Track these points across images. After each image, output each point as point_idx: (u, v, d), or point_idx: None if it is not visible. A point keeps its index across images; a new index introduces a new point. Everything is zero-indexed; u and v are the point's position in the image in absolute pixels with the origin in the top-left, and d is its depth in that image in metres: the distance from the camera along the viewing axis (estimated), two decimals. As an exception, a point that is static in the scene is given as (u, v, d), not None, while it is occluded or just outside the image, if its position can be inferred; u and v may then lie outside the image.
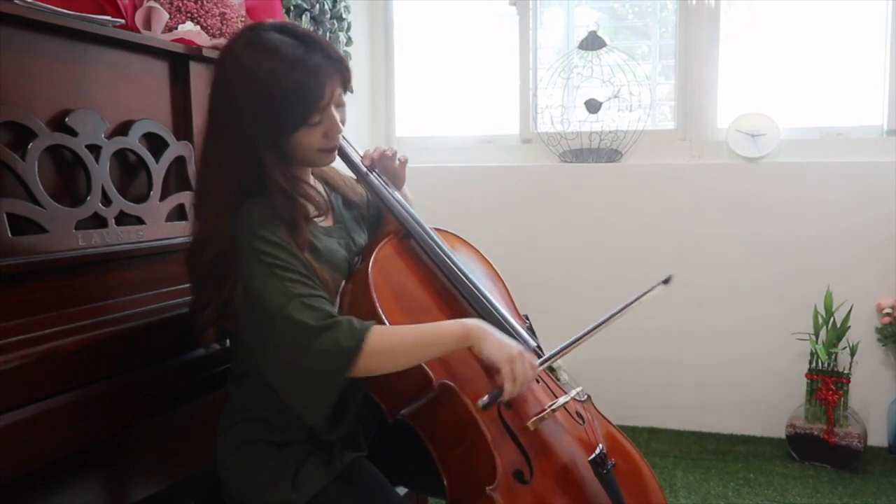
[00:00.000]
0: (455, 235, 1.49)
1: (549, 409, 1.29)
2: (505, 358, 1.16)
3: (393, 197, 1.40)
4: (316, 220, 1.28)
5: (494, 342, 1.17)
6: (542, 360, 1.25)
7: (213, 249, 1.17)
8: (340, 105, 1.24)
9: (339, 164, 1.43)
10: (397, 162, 1.45)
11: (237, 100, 1.16)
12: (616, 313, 1.28)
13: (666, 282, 1.32)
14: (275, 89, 1.14)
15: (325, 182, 1.41)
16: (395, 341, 1.15)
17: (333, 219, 1.37)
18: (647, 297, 1.30)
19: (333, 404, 1.13)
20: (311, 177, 1.35)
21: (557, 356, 1.27)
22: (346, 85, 1.23)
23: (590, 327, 1.27)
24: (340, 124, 1.23)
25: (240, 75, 1.16)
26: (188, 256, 1.23)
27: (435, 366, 1.22)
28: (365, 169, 1.41)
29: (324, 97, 1.17)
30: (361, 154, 1.44)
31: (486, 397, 1.18)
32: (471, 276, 1.37)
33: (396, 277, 1.31)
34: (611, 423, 1.45)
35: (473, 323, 1.18)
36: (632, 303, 1.29)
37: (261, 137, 1.16)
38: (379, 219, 1.49)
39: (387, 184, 1.42)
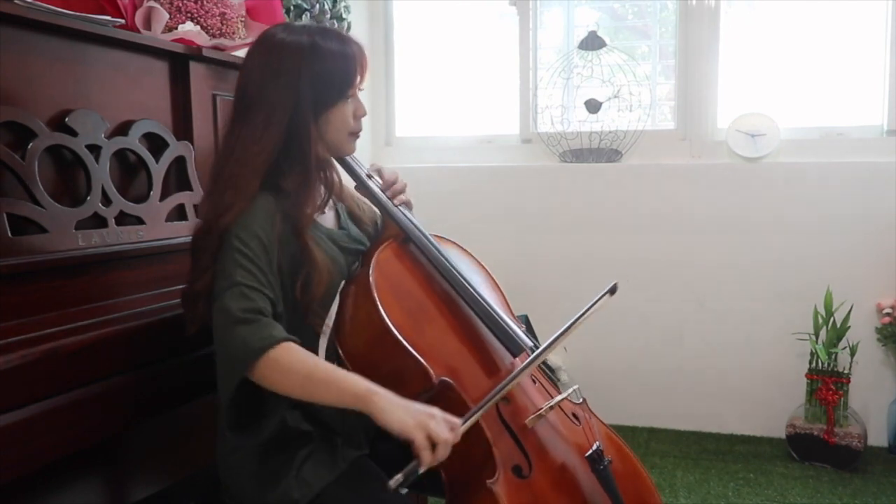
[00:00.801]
0: (452, 241, 1.51)
1: (547, 407, 1.31)
2: (414, 425, 1.06)
3: (392, 203, 1.42)
4: (321, 220, 1.32)
5: (399, 412, 1.07)
6: (465, 418, 1.13)
7: (227, 221, 1.18)
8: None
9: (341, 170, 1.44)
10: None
11: (282, 74, 1.22)
12: (565, 330, 1.24)
13: (612, 292, 1.29)
14: (316, 56, 1.23)
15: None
16: (296, 365, 1.11)
17: (338, 224, 1.40)
18: (595, 307, 1.27)
19: (232, 396, 1.13)
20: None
21: (484, 408, 1.16)
22: (365, 69, 1.31)
23: (523, 365, 1.23)
24: (365, 109, 1.32)
25: (281, 50, 1.23)
26: (199, 226, 1.25)
27: (434, 362, 1.23)
28: (365, 176, 1.43)
29: (357, 73, 1.28)
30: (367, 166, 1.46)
31: (399, 475, 1.06)
32: (469, 278, 1.39)
33: (397, 279, 1.33)
34: (606, 426, 1.47)
35: (382, 392, 1.09)
36: (575, 321, 1.25)
37: (304, 109, 1.22)
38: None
39: (385, 191, 1.44)
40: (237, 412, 1.17)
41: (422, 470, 1.06)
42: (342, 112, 1.28)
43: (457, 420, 1.11)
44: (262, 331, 1.11)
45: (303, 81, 1.22)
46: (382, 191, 1.42)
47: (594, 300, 1.28)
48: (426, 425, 1.07)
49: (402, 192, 1.44)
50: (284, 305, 1.21)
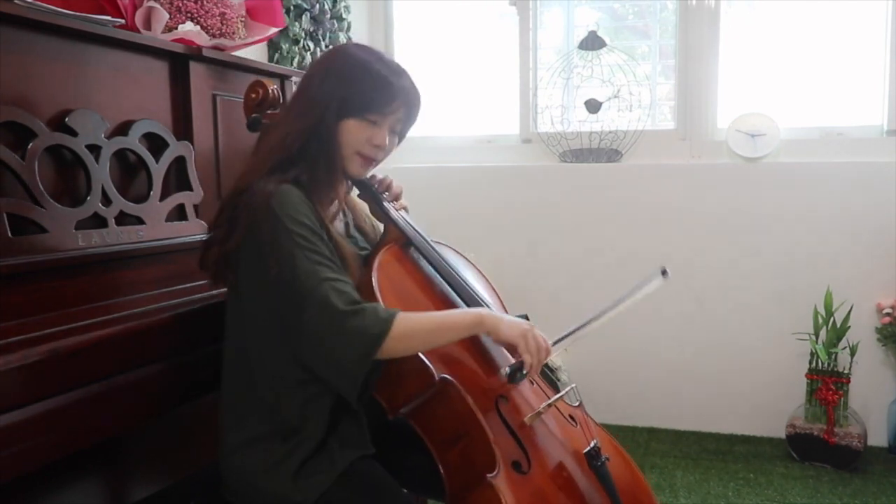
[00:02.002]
0: (448, 246, 1.53)
1: (545, 405, 1.35)
2: (519, 334, 1.25)
3: (393, 207, 1.45)
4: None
5: (507, 323, 1.26)
6: (555, 340, 1.33)
7: (244, 182, 1.25)
8: (395, 134, 1.38)
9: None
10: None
11: (328, 80, 1.30)
12: (619, 301, 1.36)
13: (663, 273, 1.37)
14: (361, 72, 1.30)
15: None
16: (416, 327, 1.20)
17: (346, 232, 1.44)
18: (648, 287, 1.37)
19: (360, 389, 1.18)
20: None
21: (571, 336, 1.35)
22: (409, 118, 1.38)
23: (594, 315, 1.35)
24: (386, 146, 1.35)
25: (340, 58, 1.34)
26: (222, 206, 1.31)
27: (435, 360, 1.25)
28: (366, 181, 1.45)
29: (392, 102, 1.32)
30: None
31: (506, 368, 1.27)
32: (469, 280, 1.42)
33: (399, 281, 1.35)
34: (603, 429, 1.48)
35: (485, 311, 1.28)
36: (634, 292, 1.36)
37: (328, 109, 1.28)
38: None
39: (385, 195, 1.47)
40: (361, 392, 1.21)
41: (526, 369, 1.26)
42: (358, 129, 1.30)
43: (547, 339, 1.30)
44: (373, 315, 1.16)
45: (340, 88, 1.28)
46: (380, 193, 1.46)
47: (644, 283, 1.37)
48: (526, 336, 1.26)
49: (399, 195, 1.50)
50: None
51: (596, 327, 1.37)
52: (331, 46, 1.33)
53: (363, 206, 1.51)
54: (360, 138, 1.31)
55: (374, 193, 1.45)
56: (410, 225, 1.44)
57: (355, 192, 1.50)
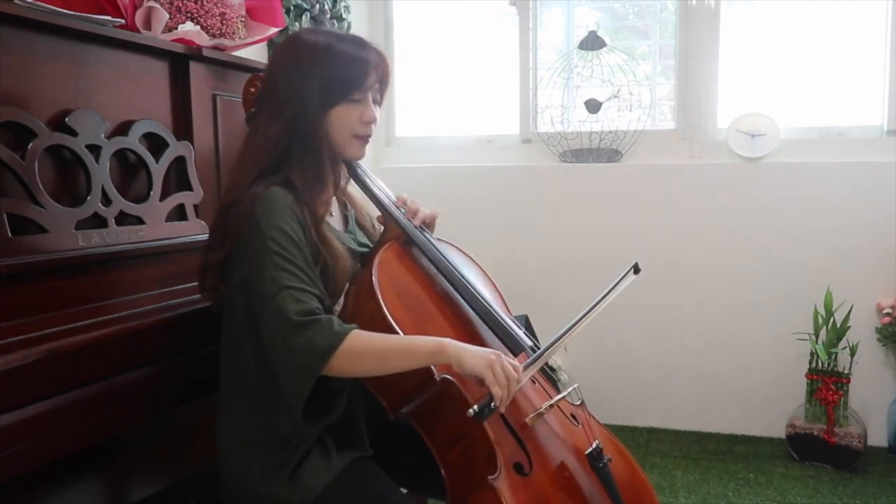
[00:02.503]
0: (450, 243, 1.53)
1: (547, 405, 1.33)
2: (484, 365, 1.16)
3: (394, 205, 1.44)
4: (329, 222, 1.34)
5: (470, 354, 1.17)
6: (527, 363, 1.26)
7: (232, 198, 1.24)
8: (376, 103, 1.35)
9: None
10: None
11: (293, 72, 1.28)
12: (593, 307, 1.30)
13: (636, 270, 1.35)
14: (328, 56, 1.27)
15: (343, 198, 1.47)
16: (370, 348, 1.17)
17: (345, 228, 1.43)
18: (620, 286, 1.34)
19: (307, 396, 1.15)
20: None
21: (543, 356, 1.27)
22: (384, 84, 1.35)
23: (568, 325, 1.29)
24: (376, 118, 1.34)
25: (299, 47, 1.30)
26: (222, 204, 1.31)
27: None
28: (366, 177, 1.45)
29: (368, 76, 1.29)
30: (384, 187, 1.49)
31: (475, 406, 1.17)
32: (469, 279, 1.41)
33: (399, 279, 1.34)
34: (604, 427, 1.47)
35: (448, 341, 1.19)
36: (605, 296, 1.32)
37: (310, 103, 1.26)
38: None
39: (387, 194, 1.46)
40: (307, 405, 1.19)
41: (496, 403, 1.16)
42: (347, 113, 1.30)
43: (519, 364, 1.21)
44: (325, 330, 1.14)
45: (312, 78, 1.26)
46: (399, 207, 1.44)
47: (618, 278, 1.34)
48: (494, 365, 1.16)
49: (427, 218, 1.46)
50: None
51: (573, 336, 1.32)
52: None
53: (365, 202, 1.50)
54: (351, 121, 1.31)
55: (374, 191, 1.44)
56: (411, 223, 1.43)
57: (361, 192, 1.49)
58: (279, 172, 1.26)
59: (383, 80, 1.34)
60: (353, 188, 1.49)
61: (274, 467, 1.23)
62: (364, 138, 1.34)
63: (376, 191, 1.44)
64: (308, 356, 1.13)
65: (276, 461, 1.24)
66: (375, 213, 1.51)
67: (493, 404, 1.17)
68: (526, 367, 1.24)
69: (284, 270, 1.16)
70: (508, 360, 1.19)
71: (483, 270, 1.57)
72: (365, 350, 1.16)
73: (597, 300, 1.31)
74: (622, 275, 1.34)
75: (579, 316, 1.29)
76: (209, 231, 1.33)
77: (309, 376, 1.13)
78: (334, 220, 1.39)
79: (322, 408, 1.25)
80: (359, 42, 1.32)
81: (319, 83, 1.26)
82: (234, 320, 1.28)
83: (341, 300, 1.32)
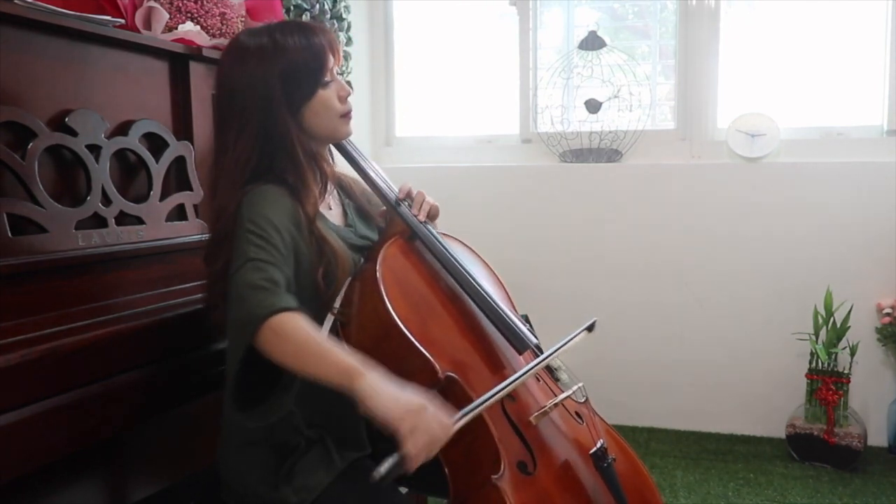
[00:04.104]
0: (457, 239, 1.52)
1: (551, 404, 1.32)
2: (401, 414, 1.00)
3: (398, 199, 1.43)
4: (328, 216, 1.33)
5: (385, 396, 1.01)
6: (458, 415, 1.09)
7: (223, 223, 1.22)
8: (339, 74, 1.33)
9: (346, 168, 1.44)
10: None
11: (250, 79, 1.24)
12: (539, 362, 1.27)
13: (590, 329, 1.36)
14: (282, 54, 1.24)
15: (341, 188, 1.46)
16: (292, 334, 1.09)
17: (345, 221, 1.41)
18: (573, 342, 1.33)
19: (239, 367, 1.12)
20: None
21: (477, 409, 1.14)
22: (336, 50, 1.31)
23: (511, 379, 1.22)
24: (349, 88, 1.32)
25: (245, 54, 1.26)
26: (208, 237, 1.29)
27: (440, 357, 1.23)
28: (370, 172, 1.44)
29: (327, 56, 1.27)
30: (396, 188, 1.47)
31: (381, 466, 0.99)
32: (474, 275, 1.40)
33: (403, 274, 1.34)
34: (608, 425, 1.47)
35: (373, 375, 1.04)
36: (554, 351, 1.30)
37: (278, 107, 1.24)
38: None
39: (391, 187, 1.45)
40: (241, 389, 1.16)
41: (407, 467, 0.99)
42: (323, 100, 1.29)
43: (448, 418, 1.06)
44: (270, 298, 1.11)
45: (270, 81, 1.23)
46: (398, 195, 1.43)
47: (572, 335, 1.33)
48: (413, 417, 1.00)
49: (432, 210, 1.46)
50: (301, 298, 1.20)
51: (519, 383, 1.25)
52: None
53: (363, 187, 1.49)
54: (332, 104, 1.30)
55: (378, 184, 1.43)
56: (416, 218, 1.42)
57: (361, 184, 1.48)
58: (270, 175, 1.25)
59: (335, 50, 1.31)
60: (350, 177, 1.48)
61: (273, 468, 1.23)
62: (348, 114, 1.34)
63: (381, 185, 1.43)
64: (246, 319, 1.10)
65: (276, 462, 1.24)
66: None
67: (402, 466, 1.00)
68: (458, 420, 1.09)
69: (253, 245, 1.15)
70: (434, 414, 1.03)
71: (489, 267, 1.56)
72: (288, 333, 1.08)
73: (548, 353, 1.29)
74: (577, 331, 1.35)
75: (526, 368, 1.26)
76: (206, 267, 1.30)
77: (242, 336, 1.10)
78: (333, 214, 1.38)
79: (255, 404, 1.21)
80: (303, 28, 1.29)
81: (281, 84, 1.24)
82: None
83: (341, 295, 1.31)
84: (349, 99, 1.33)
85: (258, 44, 1.26)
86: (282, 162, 1.26)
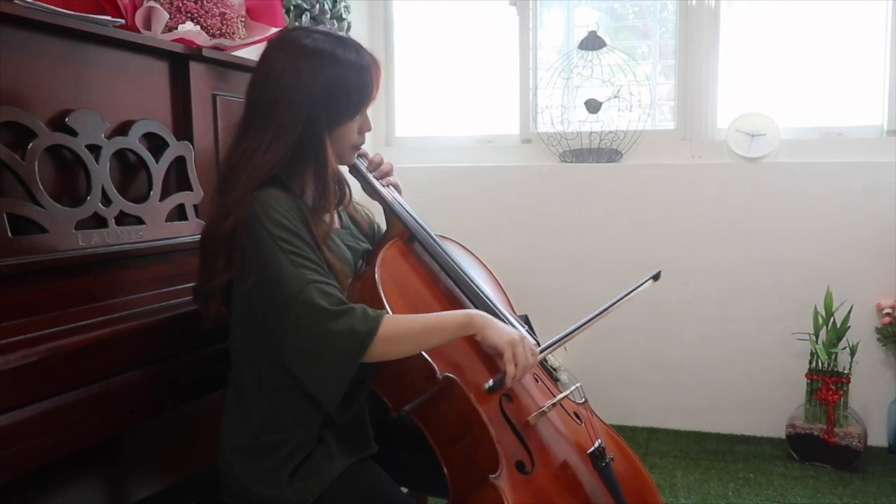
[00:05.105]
0: (454, 241, 1.53)
1: (549, 404, 1.33)
2: (507, 342, 1.21)
3: (397, 201, 1.44)
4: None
5: (496, 329, 1.22)
6: (542, 347, 1.31)
7: (232, 220, 1.19)
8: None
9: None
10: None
11: (298, 82, 1.21)
12: (609, 307, 1.36)
13: (656, 278, 1.40)
14: (335, 65, 1.22)
15: None
16: (404, 328, 1.18)
17: (340, 223, 1.42)
18: (638, 291, 1.39)
19: (344, 391, 1.16)
20: None
21: (558, 344, 1.33)
22: (377, 89, 1.31)
23: (585, 319, 1.35)
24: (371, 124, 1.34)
25: (303, 53, 1.22)
26: (206, 228, 1.27)
27: (438, 358, 1.24)
28: (370, 175, 1.45)
29: (373, 92, 1.28)
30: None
31: (490, 381, 1.22)
32: (473, 276, 1.41)
33: (402, 276, 1.35)
34: (607, 426, 1.47)
35: (476, 312, 1.23)
36: (624, 297, 1.37)
37: (318, 122, 1.22)
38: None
39: (390, 189, 1.46)
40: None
41: (507, 382, 1.21)
42: (349, 130, 1.28)
43: (536, 350, 1.27)
44: (361, 314, 1.15)
45: (318, 93, 1.21)
46: (370, 171, 1.44)
47: (638, 284, 1.41)
48: (515, 345, 1.21)
49: (389, 172, 1.48)
50: None
51: (585, 331, 1.37)
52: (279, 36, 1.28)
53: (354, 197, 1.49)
54: (351, 136, 1.30)
55: (376, 188, 1.44)
56: (415, 220, 1.43)
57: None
58: (275, 179, 1.23)
59: (378, 87, 1.30)
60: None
61: (274, 468, 1.23)
62: (359, 147, 1.35)
63: (377, 185, 1.44)
64: (349, 342, 1.13)
65: (277, 462, 1.23)
66: (366, 203, 1.51)
67: (505, 381, 1.21)
68: (542, 351, 1.29)
69: (304, 267, 1.15)
70: (529, 343, 1.24)
71: (487, 268, 1.58)
72: (400, 332, 1.17)
73: (614, 300, 1.37)
74: (643, 280, 1.40)
75: (595, 313, 1.35)
76: (203, 260, 1.27)
77: (352, 362, 1.14)
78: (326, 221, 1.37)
79: (349, 399, 1.23)
80: (358, 49, 1.27)
81: (327, 96, 1.21)
82: (236, 319, 1.28)
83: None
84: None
85: (316, 47, 1.22)
86: (296, 173, 1.25)
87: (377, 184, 1.44)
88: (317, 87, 1.21)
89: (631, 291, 1.38)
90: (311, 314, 1.13)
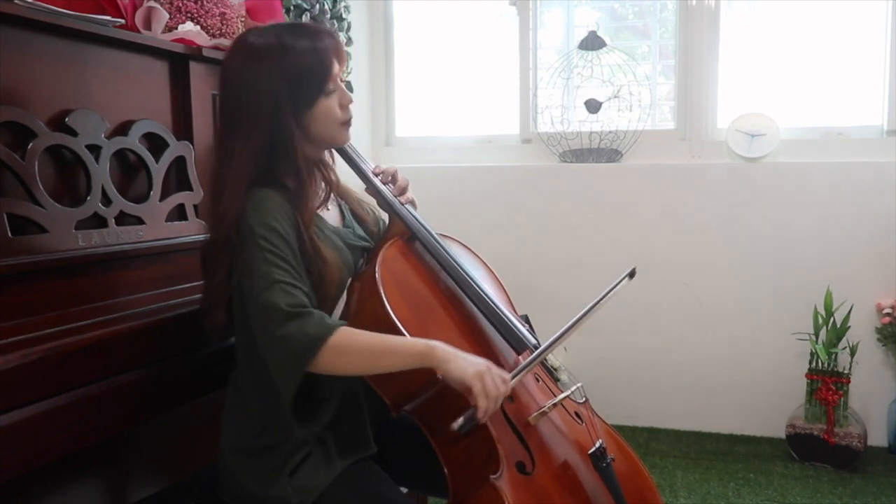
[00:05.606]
0: (456, 240, 1.53)
1: (550, 404, 1.33)
2: (473, 374, 1.14)
3: (398, 200, 1.44)
4: (326, 217, 1.34)
5: (459, 361, 1.15)
6: (514, 372, 1.23)
7: (227, 225, 1.21)
8: (342, 81, 1.32)
9: (347, 170, 1.45)
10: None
11: (257, 80, 1.22)
12: (586, 312, 1.30)
13: (631, 275, 1.37)
14: (288, 55, 1.22)
15: (336, 189, 1.45)
16: (359, 343, 1.16)
17: (342, 222, 1.41)
18: (614, 291, 1.34)
19: (295, 389, 1.14)
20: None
21: (531, 365, 1.26)
22: (341, 56, 1.30)
23: (562, 330, 1.29)
24: (351, 96, 1.31)
25: (253, 55, 1.24)
26: (205, 239, 1.29)
27: None
28: (371, 174, 1.44)
29: (333, 64, 1.26)
30: (373, 166, 1.48)
31: (460, 419, 1.16)
32: (473, 276, 1.41)
33: (402, 276, 1.34)
34: (608, 426, 1.47)
35: (438, 345, 1.16)
36: (601, 299, 1.32)
37: (284, 111, 1.22)
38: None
39: (391, 189, 1.45)
40: (298, 407, 1.19)
41: (479, 417, 1.14)
42: (326, 106, 1.27)
43: (507, 374, 1.19)
44: (317, 322, 1.14)
45: (278, 85, 1.22)
46: (380, 177, 1.44)
47: (614, 283, 1.35)
48: (483, 376, 1.14)
49: (405, 188, 1.46)
50: None
51: (564, 342, 1.32)
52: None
53: (359, 194, 1.50)
54: (333, 112, 1.28)
55: (378, 187, 1.44)
56: (415, 219, 1.42)
57: (362, 186, 1.48)
58: (267, 178, 1.24)
59: (341, 57, 1.30)
60: (346, 180, 1.48)
61: (274, 469, 1.23)
62: (349, 122, 1.32)
63: (378, 184, 1.44)
64: (298, 345, 1.12)
65: (276, 463, 1.24)
66: (369, 200, 1.51)
67: (477, 417, 1.15)
68: (513, 377, 1.21)
69: (275, 266, 1.16)
70: (497, 372, 1.17)
71: (488, 267, 1.57)
72: (352, 346, 1.15)
73: (590, 305, 1.30)
74: (618, 279, 1.35)
75: (570, 322, 1.29)
76: (204, 272, 1.29)
77: (298, 366, 1.13)
78: (330, 215, 1.38)
79: (312, 412, 1.26)
80: (310, 31, 1.27)
81: (288, 88, 1.22)
82: (237, 321, 1.28)
83: (343, 297, 1.32)
84: (350, 106, 1.32)
85: (265, 43, 1.24)
86: (283, 166, 1.26)
87: (377, 182, 1.44)
88: (275, 79, 1.22)
89: (607, 293, 1.33)
90: (268, 313, 1.13)
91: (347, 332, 1.15)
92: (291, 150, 1.24)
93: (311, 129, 1.28)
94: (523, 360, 1.37)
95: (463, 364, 1.15)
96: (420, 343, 1.16)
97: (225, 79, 1.28)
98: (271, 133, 1.23)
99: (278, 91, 1.22)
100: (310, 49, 1.24)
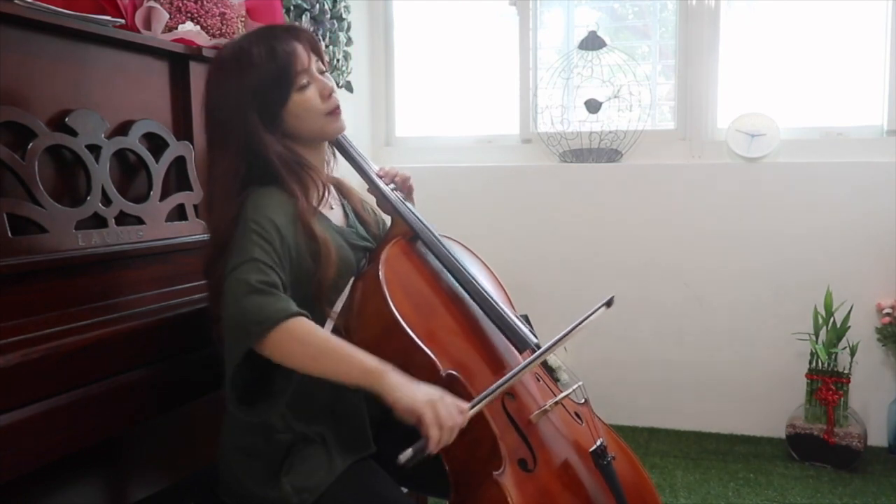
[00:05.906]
0: (456, 241, 1.53)
1: (551, 403, 1.33)
2: (424, 402, 1.08)
3: (401, 200, 1.44)
4: (329, 216, 1.34)
5: (408, 390, 1.09)
6: (474, 402, 1.16)
7: (223, 235, 1.21)
8: (322, 72, 1.32)
9: (348, 170, 1.45)
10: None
11: (224, 93, 1.26)
12: (558, 340, 1.27)
13: (608, 304, 1.34)
14: (250, 69, 1.24)
15: (339, 189, 1.46)
16: (311, 339, 1.12)
17: (346, 221, 1.41)
18: (590, 319, 1.32)
19: (237, 363, 1.11)
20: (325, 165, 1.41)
21: (494, 395, 1.19)
22: (315, 48, 1.30)
23: (525, 362, 1.26)
24: (332, 85, 1.31)
25: (221, 69, 1.28)
26: (206, 256, 1.29)
27: (442, 356, 1.24)
28: (373, 173, 1.45)
29: (297, 56, 1.26)
30: (377, 168, 1.49)
31: (409, 451, 1.08)
32: (475, 276, 1.41)
33: (405, 275, 1.34)
34: (608, 427, 1.47)
35: (393, 372, 1.11)
36: (576, 327, 1.30)
37: (250, 121, 1.24)
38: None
39: (394, 189, 1.46)
40: (241, 386, 1.15)
41: (430, 449, 1.07)
42: (301, 101, 1.27)
43: (464, 404, 1.13)
44: (279, 302, 1.11)
45: (242, 96, 1.24)
46: (383, 179, 1.45)
47: (590, 312, 1.31)
48: (435, 404, 1.08)
49: (407, 178, 1.48)
50: (295, 296, 1.20)
51: (532, 368, 1.30)
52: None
53: (361, 194, 1.50)
54: (312, 105, 1.28)
55: (379, 187, 1.44)
56: (417, 218, 1.43)
57: (363, 186, 1.48)
58: (267, 179, 1.25)
59: (315, 49, 1.30)
60: (349, 180, 1.48)
61: (274, 469, 1.23)
62: (335, 111, 1.31)
63: (380, 183, 1.44)
64: (251, 318, 1.08)
65: (276, 463, 1.24)
66: (370, 201, 1.51)
67: (427, 449, 1.08)
68: (472, 407, 1.15)
69: (258, 246, 1.15)
70: (452, 401, 1.12)
71: (488, 268, 1.58)
72: (304, 339, 1.11)
73: (562, 334, 1.28)
74: (594, 308, 1.33)
75: (539, 351, 1.27)
76: (207, 279, 1.29)
77: (244, 340, 1.09)
78: (334, 214, 1.37)
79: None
80: (269, 36, 1.27)
81: (252, 97, 1.23)
82: None
83: (344, 294, 1.31)
84: (336, 95, 1.32)
85: (230, 57, 1.27)
86: (267, 169, 1.26)
87: (379, 181, 1.45)
88: (238, 91, 1.24)
89: (581, 322, 1.30)
90: (235, 285, 1.11)
91: (304, 324, 1.11)
92: (267, 155, 1.25)
93: (293, 127, 1.29)
94: (524, 360, 1.37)
95: (412, 391, 1.09)
96: (373, 363, 1.11)
97: (204, 92, 1.31)
98: (246, 141, 1.24)
99: (245, 103, 1.23)
100: (268, 54, 1.24)
